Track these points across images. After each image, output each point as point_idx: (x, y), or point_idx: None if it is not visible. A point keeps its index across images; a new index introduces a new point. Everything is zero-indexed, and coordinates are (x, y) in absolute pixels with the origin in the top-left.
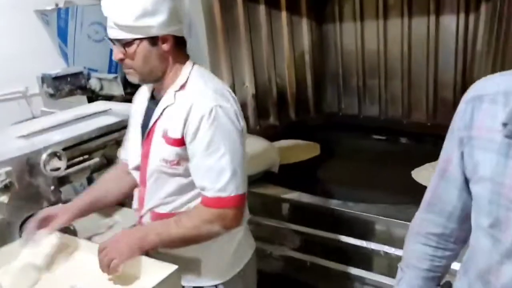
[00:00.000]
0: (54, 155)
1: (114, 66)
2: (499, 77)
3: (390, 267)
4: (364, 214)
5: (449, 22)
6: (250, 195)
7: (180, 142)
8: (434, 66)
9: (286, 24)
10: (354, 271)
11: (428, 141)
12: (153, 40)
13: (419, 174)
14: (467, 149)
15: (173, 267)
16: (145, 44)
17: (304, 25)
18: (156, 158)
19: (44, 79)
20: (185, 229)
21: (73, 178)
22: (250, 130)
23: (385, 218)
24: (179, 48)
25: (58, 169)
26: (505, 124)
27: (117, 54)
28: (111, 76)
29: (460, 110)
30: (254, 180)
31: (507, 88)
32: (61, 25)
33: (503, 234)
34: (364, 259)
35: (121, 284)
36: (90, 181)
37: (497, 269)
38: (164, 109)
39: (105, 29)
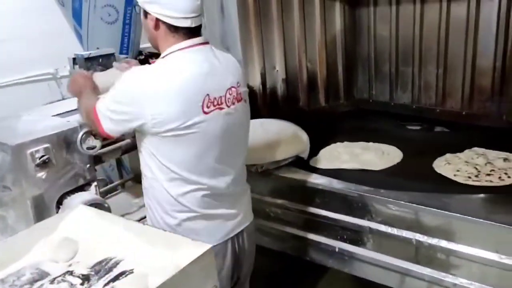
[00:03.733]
0: (90, 133)
1: (125, 48)
2: None
3: (420, 255)
4: (396, 201)
5: (491, 5)
6: (279, 179)
7: None
8: (472, 52)
9: (319, 8)
10: (384, 258)
11: (462, 131)
12: (145, 12)
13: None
14: None
15: (206, 246)
16: (143, 13)
17: (337, 8)
18: None
19: (76, 60)
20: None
21: (105, 157)
22: (280, 115)
23: (416, 205)
24: (169, 31)
25: (93, 147)
26: None
27: None
28: (123, 57)
29: None
30: (283, 165)
31: None
32: (75, 6)
33: None
34: (395, 247)
35: (156, 259)
36: (118, 162)
37: None
38: None
39: (117, 11)
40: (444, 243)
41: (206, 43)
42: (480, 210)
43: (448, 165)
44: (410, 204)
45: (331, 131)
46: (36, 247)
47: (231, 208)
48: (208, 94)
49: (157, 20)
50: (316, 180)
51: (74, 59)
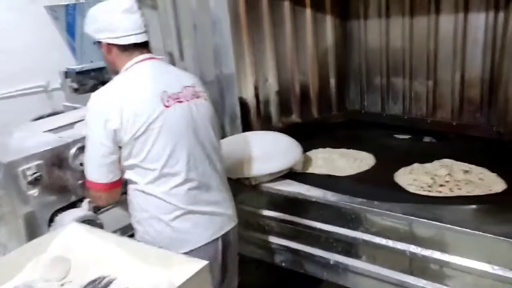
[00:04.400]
0: (82, 149)
1: None
2: None
3: (414, 266)
4: (389, 212)
5: (478, 19)
6: (273, 192)
7: None
8: (461, 64)
9: (310, 21)
10: (379, 270)
11: (453, 141)
12: (98, 43)
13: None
14: None
15: (203, 263)
16: (97, 44)
17: (328, 21)
18: None
19: (67, 73)
20: None
21: None
22: (273, 127)
23: (410, 217)
24: (120, 51)
25: None
26: None
27: None
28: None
29: None
30: (277, 178)
31: None
32: (69, 20)
33: None
34: (389, 258)
35: (150, 277)
36: None
37: None
38: None
39: None
40: (437, 255)
41: (158, 58)
42: (472, 221)
43: (408, 175)
44: (404, 215)
45: (320, 138)
46: (28, 266)
47: (217, 205)
48: (165, 91)
49: (108, 45)
50: (310, 192)
51: (66, 72)
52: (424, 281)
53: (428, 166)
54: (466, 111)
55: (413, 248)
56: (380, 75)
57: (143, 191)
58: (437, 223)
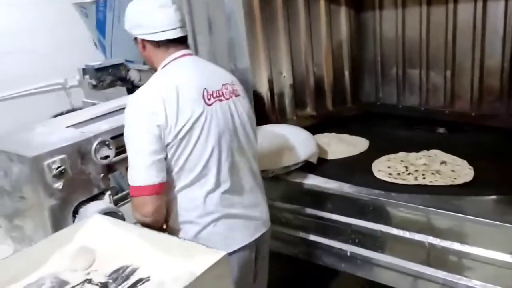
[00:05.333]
0: (103, 143)
1: None
2: None
3: (433, 258)
4: (408, 204)
5: (497, 7)
6: (290, 184)
7: None
8: (480, 53)
9: (324, 13)
10: (397, 261)
11: (472, 132)
12: (135, 39)
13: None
14: None
15: (222, 253)
16: (134, 40)
17: (343, 13)
18: None
19: (86, 70)
20: None
21: (117, 166)
22: (287, 120)
23: (428, 208)
24: (154, 47)
25: (107, 157)
26: None
27: None
28: (147, 67)
29: None
30: (293, 170)
31: None
32: (99, 17)
33: None
34: (407, 250)
35: (172, 267)
36: None
37: None
38: None
39: None
40: (457, 246)
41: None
42: (493, 211)
43: (386, 162)
44: (422, 207)
45: (333, 131)
46: (54, 257)
47: (251, 208)
48: (205, 88)
49: (143, 41)
50: (327, 184)
51: (84, 69)
52: (443, 272)
53: (411, 155)
54: (485, 101)
55: (431, 239)
56: (396, 66)
57: (178, 195)
58: (455, 213)
